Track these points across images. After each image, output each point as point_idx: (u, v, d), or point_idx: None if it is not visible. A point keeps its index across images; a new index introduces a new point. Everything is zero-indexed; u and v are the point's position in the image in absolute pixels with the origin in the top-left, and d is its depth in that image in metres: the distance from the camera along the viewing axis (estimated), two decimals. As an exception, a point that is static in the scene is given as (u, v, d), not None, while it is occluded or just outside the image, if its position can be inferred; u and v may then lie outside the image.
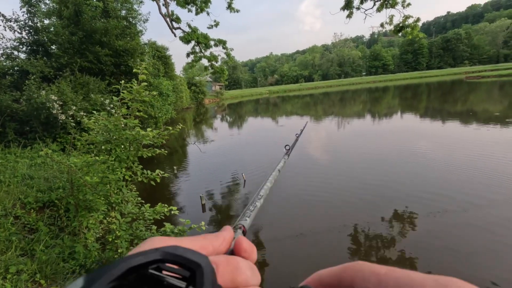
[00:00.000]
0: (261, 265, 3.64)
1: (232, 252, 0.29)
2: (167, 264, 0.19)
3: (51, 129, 7.60)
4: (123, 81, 2.57)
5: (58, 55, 9.61)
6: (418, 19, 8.36)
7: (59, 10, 10.26)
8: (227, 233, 0.30)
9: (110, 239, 2.46)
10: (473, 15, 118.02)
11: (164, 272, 0.19)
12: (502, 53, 77.60)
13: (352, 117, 17.37)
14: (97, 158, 2.81)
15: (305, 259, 3.69)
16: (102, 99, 8.35)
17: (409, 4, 8.05)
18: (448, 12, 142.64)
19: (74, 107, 7.67)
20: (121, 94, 2.51)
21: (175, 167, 8.28)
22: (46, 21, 10.40)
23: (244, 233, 0.39)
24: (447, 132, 10.27)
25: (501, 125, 10.11)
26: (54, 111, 7.21)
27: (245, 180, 6.57)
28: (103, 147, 2.67)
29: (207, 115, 28.87)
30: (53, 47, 10.29)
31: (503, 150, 7.13)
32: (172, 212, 2.64)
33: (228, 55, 10.29)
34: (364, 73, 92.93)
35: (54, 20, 10.49)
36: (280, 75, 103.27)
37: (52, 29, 10.07)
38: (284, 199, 5.56)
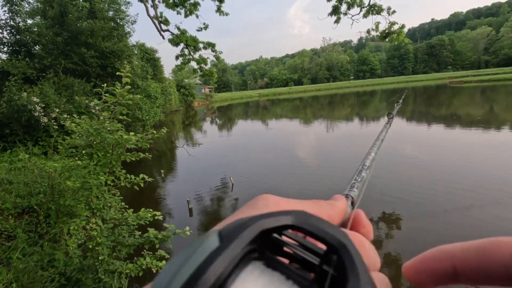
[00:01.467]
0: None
1: (344, 225, 0.26)
2: (290, 231, 0.17)
3: (33, 132, 7.37)
4: (105, 84, 2.51)
5: (42, 56, 9.35)
6: (403, 26, 8.58)
7: (43, 10, 10.00)
8: (341, 203, 0.26)
9: (91, 246, 2.39)
10: (455, 22, 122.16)
11: (285, 238, 0.17)
12: (483, 59, 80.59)
13: (340, 120, 17.60)
14: (79, 162, 2.73)
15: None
16: (87, 101, 8.17)
17: (394, 12, 8.25)
18: (432, 19, 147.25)
19: (57, 110, 7.47)
20: (104, 97, 2.46)
21: (162, 171, 8.17)
22: (29, 21, 10.12)
23: (353, 205, 0.34)
24: (433, 135, 10.54)
25: (483, 128, 10.44)
26: (36, 114, 7.00)
27: (233, 184, 6.54)
28: (83, 151, 2.60)
29: (196, 118, 28.67)
30: (37, 48, 10.02)
31: (487, 153, 7.36)
32: (156, 217, 2.59)
33: (217, 58, 10.27)
34: (352, 77, 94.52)
35: (38, 20, 10.22)
36: (270, 78, 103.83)
37: (35, 29, 9.81)
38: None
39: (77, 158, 3.00)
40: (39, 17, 10.25)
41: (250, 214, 0.18)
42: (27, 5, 10.16)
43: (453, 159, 7.09)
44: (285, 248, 0.17)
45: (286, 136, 13.42)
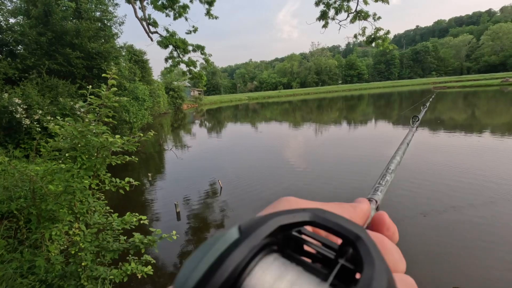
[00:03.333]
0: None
1: (367, 228, 0.26)
2: (307, 228, 0.18)
3: (14, 134, 7.12)
4: (90, 86, 2.46)
5: (24, 56, 9.09)
6: (388, 32, 8.80)
7: (26, 9, 9.74)
8: (364, 206, 0.26)
9: (73, 252, 2.32)
10: (439, 30, 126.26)
11: (303, 236, 0.17)
12: (465, 66, 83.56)
13: (328, 123, 17.82)
14: (62, 165, 2.66)
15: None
16: (72, 103, 7.98)
17: (379, 18, 8.47)
18: (417, 26, 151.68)
19: (40, 111, 7.25)
20: (88, 99, 2.41)
21: (149, 174, 8.04)
22: (12, 20, 9.84)
23: (377, 208, 0.34)
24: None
25: (465, 132, 10.80)
26: (18, 115, 6.78)
27: (221, 187, 6.50)
28: (67, 154, 2.53)
29: (185, 121, 28.43)
30: (19, 48, 9.73)
31: (471, 155, 7.61)
32: (142, 221, 2.54)
33: (206, 60, 10.24)
34: (340, 82, 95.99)
35: (21, 19, 9.94)
36: (259, 81, 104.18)
37: (18, 29, 9.53)
38: (252, 208, 5.55)
39: (60, 161, 2.92)
40: (22, 16, 9.97)
41: None
42: (9, 4, 9.89)
43: (437, 161, 7.29)
44: (305, 247, 0.17)
45: (275, 139, 13.47)
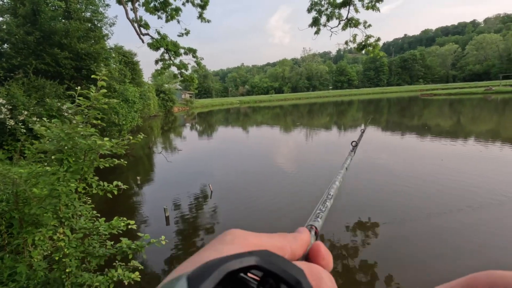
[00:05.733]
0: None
1: (307, 257, 0.27)
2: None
3: (-3, 135, 6.90)
4: (79, 87, 2.41)
5: (10, 55, 8.86)
6: (378, 39, 9.00)
7: (14, 7, 9.52)
8: (304, 236, 0.28)
9: (57, 258, 2.24)
10: (426, 39, 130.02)
11: (249, 274, 0.19)
12: (451, 74, 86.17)
13: (319, 128, 17.99)
14: (47, 168, 2.58)
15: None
16: (59, 104, 7.79)
17: (370, 25, 8.66)
18: (405, 35, 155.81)
19: (25, 112, 7.05)
20: (77, 100, 2.35)
21: (138, 178, 7.90)
22: (-2, 18, 9.59)
23: (316, 236, 0.35)
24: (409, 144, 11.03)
25: (451, 138, 11.07)
26: (2, 116, 6.57)
27: (212, 191, 6.45)
28: (53, 157, 2.46)
29: (175, 124, 28.18)
30: (5, 46, 9.48)
31: (457, 161, 7.79)
32: (130, 226, 2.48)
33: (198, 64, 10.21)
34: (331, 87, 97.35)
35: (8, 17, 9.70)
36: (251, 85, 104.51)
37: (4, 27, 9.29)
38: (242, 212, 5.53)
39: (45, 164, 2.83)
40: (8, 14, 9.73)
41: (217, 250, 0.21)
42: (-4, 2, 9.65)
43: (425, 167, 7.44)
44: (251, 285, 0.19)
45: (266, 143, 13.50)
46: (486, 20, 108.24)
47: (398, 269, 3.53)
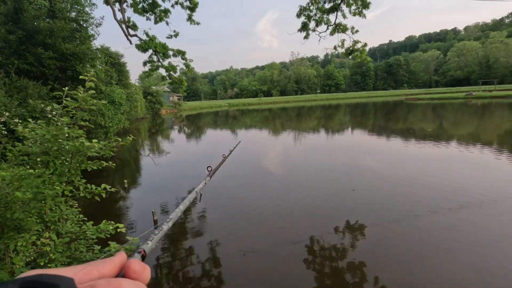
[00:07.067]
0: (215, 281, 3.52)
1: (124, 275, 0.30)
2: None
3: (-24, 138, 6.61)
4: (66, 88, 2.35)
5: (-9, 55, 8.54)
6: (365, 44, 9.21)
7: (-6, 5, 9.20)
8: (117, 258, 0.31)
9: (42, 263, 2.17)
10: (410, 45, 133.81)
11: None
12: (434, 79, 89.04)
13: (307, 131, 18.17)
14: (31, 171, 2.50)
15: (258, 274, 3.66)
16: (42, 105, 7.56)
17: (357, 31, 8.86)
18: (390, 41, 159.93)
19: (6, 113, 6.79)
20: (64, 101, 2.29)
21: (126, 181, 7.74)
22: (-22, 16, 9.23)
23: (143, 257, 0.38)
24: (393, 146, 11.29)
25: (434, 141, 11.42)
26: (-19, 117, 6.31)
27: (201, 194, 6.37)
28: (38, 159, 2.38)
29: (163, 126, 27.82)
30: (-15, 45, 9.12)
31: (440, 164, 8.03)
32: (119, 229, 2.43)
33: (187, 66, 10.13)
34: (318, 91, 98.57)
35: (-12, 15, 9.36)
36: (240, 88, 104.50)
37: (-16, 25, 8.96)
38: (231, 216, 5.52)
39: (28, 167, 2.74)
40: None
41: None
42: (-25, -1, 9.29)
43: (409, 169, 7.64)
44: None
45: (254, 146, 13.51)
46: (466, 28, 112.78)
47: (379, 270, 3.61)
